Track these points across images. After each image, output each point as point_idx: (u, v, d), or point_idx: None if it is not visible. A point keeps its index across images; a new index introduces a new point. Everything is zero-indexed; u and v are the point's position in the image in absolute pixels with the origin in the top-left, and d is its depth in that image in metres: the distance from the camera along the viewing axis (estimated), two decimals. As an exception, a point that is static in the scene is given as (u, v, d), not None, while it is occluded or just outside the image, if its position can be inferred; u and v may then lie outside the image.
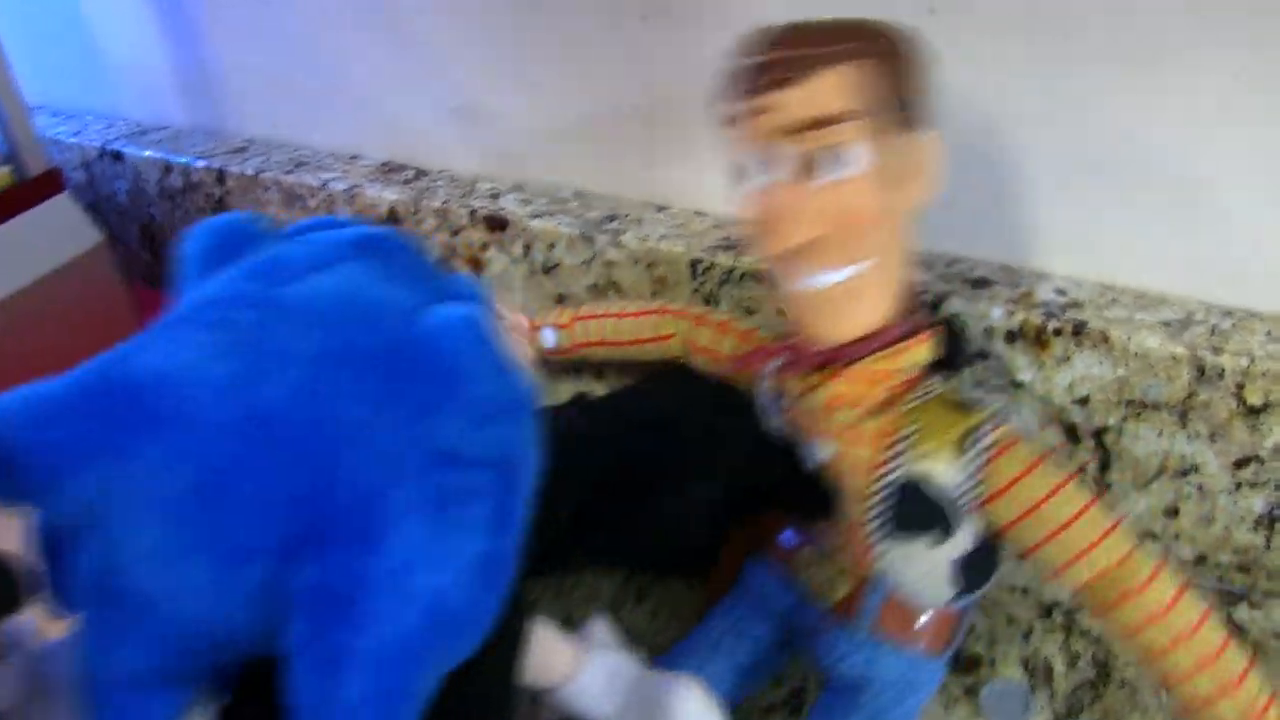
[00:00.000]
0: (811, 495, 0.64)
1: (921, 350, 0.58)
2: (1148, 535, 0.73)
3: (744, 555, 0.71)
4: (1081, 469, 0.72)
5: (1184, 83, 0.62)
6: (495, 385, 0.43)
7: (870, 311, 0.56)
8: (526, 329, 0.82)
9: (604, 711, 0.61)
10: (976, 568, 0.59)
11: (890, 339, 0.57)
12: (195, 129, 1.17)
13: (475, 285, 0.48)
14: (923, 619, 0.61)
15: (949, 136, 0.67)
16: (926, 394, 0.58)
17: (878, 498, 0.57)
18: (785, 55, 0.51)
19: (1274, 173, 0.63)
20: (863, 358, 0.57)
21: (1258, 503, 0.68)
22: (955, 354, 0.62)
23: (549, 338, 0.80)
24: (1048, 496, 0.54)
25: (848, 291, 0.55)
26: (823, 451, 0.60)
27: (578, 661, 0.60)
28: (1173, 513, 0.71)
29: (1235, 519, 0.69)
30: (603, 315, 0.77)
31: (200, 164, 1.07)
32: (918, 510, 0.57)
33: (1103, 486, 0.73)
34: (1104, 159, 0.67)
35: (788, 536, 0.67)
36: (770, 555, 0.68)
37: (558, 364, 0.82)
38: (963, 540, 0.57)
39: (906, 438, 0.57)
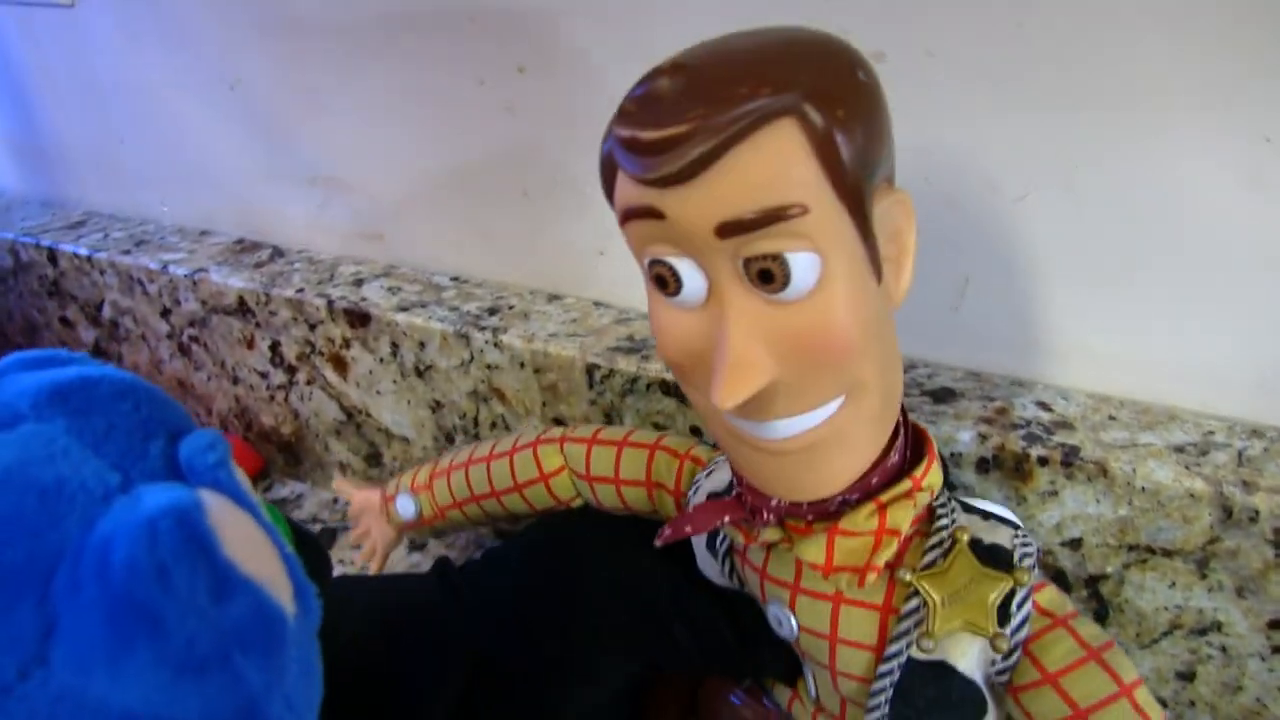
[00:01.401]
0: (773, 657, 0.49)
1: (930, 481, 0.42)
2: (1156, 701, 0.58)
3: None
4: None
5: (1201, 145, 0.49)
6: (210, 616, 0.28)
7: (856, 456, 0.40)
8: (378, 506, 0.66)
9: None
10: None
11: (888, 476, 0.41)
12: (30, 199, 1.02)
13: (213, 453, 0.32)
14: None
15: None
16: (943, 543, 0.41)
17: (881, 686, 0.41)
18: (697, 119, 0.32)
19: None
20: (852, 509, 0.41)
21: (1299, 670, 0.54)
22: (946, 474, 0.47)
23: (406, 508, 0.64)
24: (1104, 703, 0.38)
25: (825, 439, 0.38)
26: (794, 624, 0.44)
27: None
28: (1187, 677, 0.57)
29: (1270, 689, 0.55)
30: (467, 463, 0.61)
31: (30, 241, 0.91)
32: (937, 703, 0.41)
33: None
34: (1098, 236, 0.54)
35: (739, 703, 0.52)
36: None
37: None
38: None
39: (918, 613, 0.40)
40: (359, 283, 0.76)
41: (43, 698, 0.26)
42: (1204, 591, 0.54)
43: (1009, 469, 0.54)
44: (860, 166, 0.33)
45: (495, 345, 0.67)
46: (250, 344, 0.81)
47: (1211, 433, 0.54)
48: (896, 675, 0.41)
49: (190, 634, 0.27)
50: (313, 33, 0.70)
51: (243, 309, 0.79)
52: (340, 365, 0.77)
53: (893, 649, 0.41)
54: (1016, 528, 0.43)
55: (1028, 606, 0.40)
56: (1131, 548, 0.54)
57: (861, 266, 0.35)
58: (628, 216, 0.36)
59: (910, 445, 0.43)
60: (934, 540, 0.41)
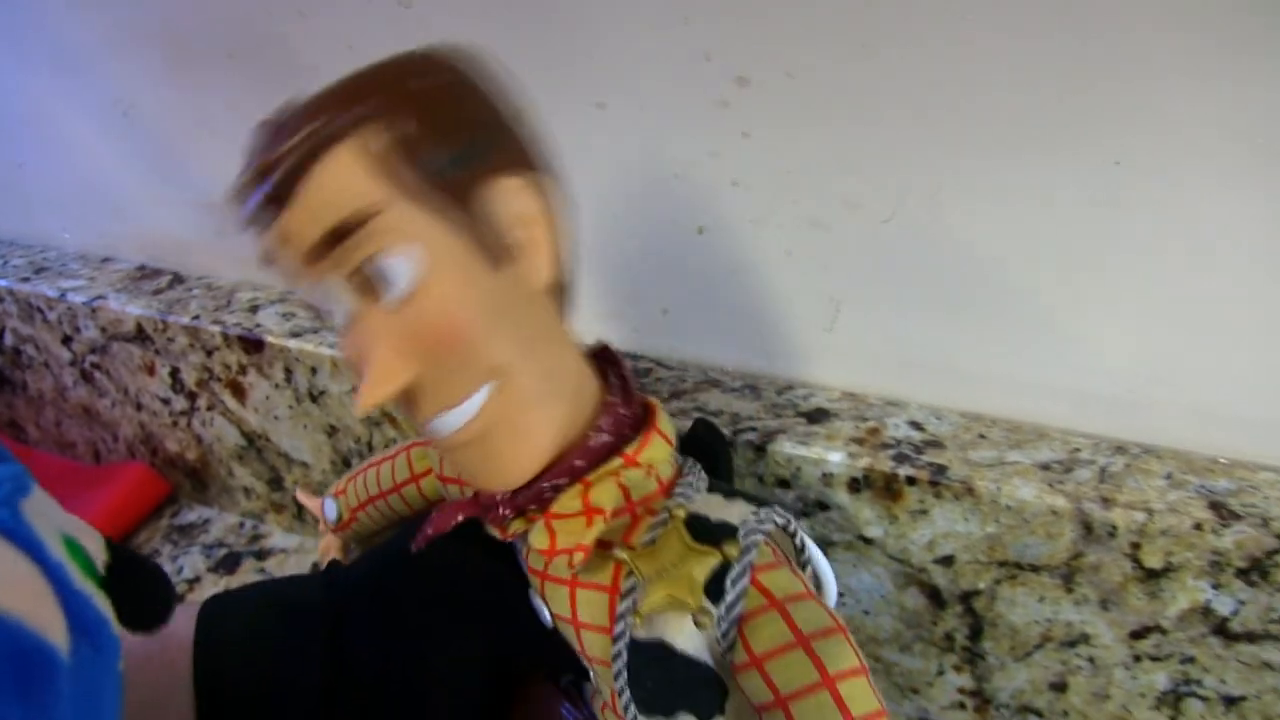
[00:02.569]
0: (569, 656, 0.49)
1: (649, 456, 0.42)
2: (1031, 711, 0.60)
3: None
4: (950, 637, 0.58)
5: (1059, 163, 0.50)
6: None
7: (536, 438, 0.41)
8: (319, 508, 0.67)
9: None
10: None
11: (594, 456, 0.42)
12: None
13: (5, 486, 0.33)
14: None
15: (770, 237, 0.54)
16: (665, 522, 0.41)
17: (617, 669, 0.41)
18: (270, 157, 0.35)
19: (1170, 273, 0.51)
20: (560, 493, 0.41)
21: (1160, 678, 0.56)
22: (717, 453, 0.47)
23: (330, 511, 0.65)
24: (804, 692, 0.36)
25: (489, 428, 0.40)
26: (548, 612, 0.45)
27: None
28: (1060, 687, 0.59)
29: (1134, 696, 0.57)
30: (365, 468, 0.63)
31: (-73, 268, 0.90)
32: (666, 683, 0.40)
33: (975, 656, 0.59)
34: (964, 258, 0.55)
35: (566, 710, 0.52)
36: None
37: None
38: (739, 713, 0.40)
39: (635, 589, 0.40)
40: (255, 308, 0.76)
41: None
42: (1071, 605, 0.55)
43: (879, 489, 0.55)
44: (431, 166, 0.36)
45: (384, 371, 0.68)
46: (151, 371, 0.81)
47: (1078, 450, 0.55)
48: (625, 657, 0.40)
49: None
50: (200, 56, 0.70)
51: (141, 336, 0.79)
52: (238, 391, 0.77)
53: (617, 629, 0.40)
54: (763, 506, 0.42)
55: (743, 583, 0.38)
56: (1001, 564, 0.55)
57: (467, 257, 0.37)
58: (263, 259, 0.38)
59: (628, 423, 0.43)
60: (657, 519, 0.41)
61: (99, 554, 0.38)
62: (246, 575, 0.79)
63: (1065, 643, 0.57)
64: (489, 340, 0.38)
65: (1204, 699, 0.55)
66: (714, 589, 0.39)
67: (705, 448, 0.47)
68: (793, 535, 0.42)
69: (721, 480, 0.45)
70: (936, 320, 0.57)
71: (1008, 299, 0.55)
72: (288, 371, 0.73)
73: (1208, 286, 0.50)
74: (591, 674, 0.46)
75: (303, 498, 0.70)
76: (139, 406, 0.85)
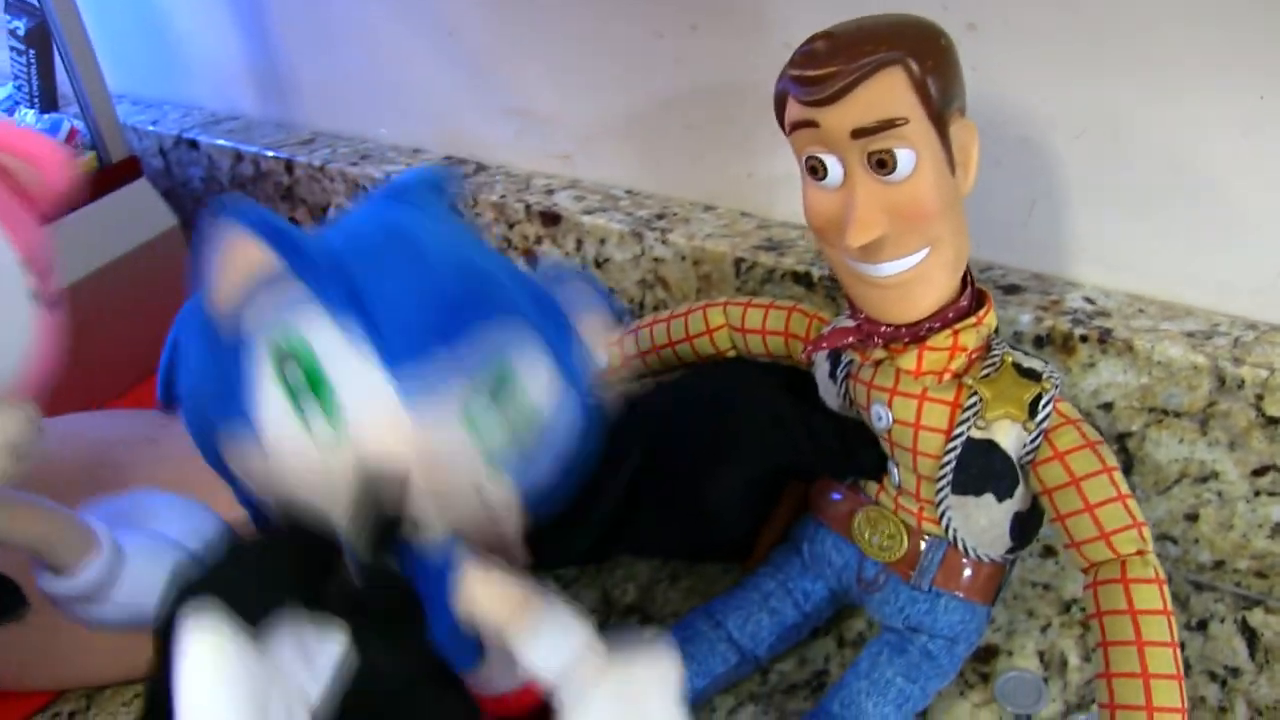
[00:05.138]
0: (868, 458, 0.67)
1: (988, 321, 0.60)
2: (1168, 539, 0.75)
3: (783, 531, 0.74)
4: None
5: (1215, 96, 0.64)
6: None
7: (938, 291, 0.57)
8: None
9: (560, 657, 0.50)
10: (1029, 523, 0.62)
11: (960, 313, 0.59)
12: (266, 120, 1.22)
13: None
14: (979, 571, 0.64)
15: (987, 148, 0.70)
16: (994, 363, 0.59)
17: (949, 459, 0.60)
18: (841, 65, 0.52)
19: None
20: (935, 333, 0.59)
21: (1275, 511, 0.69)
22: (998, 327, 0.64)
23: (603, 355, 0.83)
24: (1091, 475, 0.56)
25: (916, 277, 0.56)
26: (890, 417, 0.62)
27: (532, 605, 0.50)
28: (1192, 518, 0.73)
29: (1253, 526, 0.71)
30: (651, 322, 0.80)
31: (270, 154, 1.12)
32: (985, 471, 0.60)
33: (1125, 490, 0.75)
34: (1137, 172, 0.69)
35: (839, 497, 0.70)
36: (821, 515, 0.70)
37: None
38: (1020, 498, 0.61)
39: (976, 405, 0.59)
40: (550, 192, 0.95)
41: None
42: (1205, 445, 0.69)
43: (1058, 345, 0.71)
44: (941, 97, 0.53)
45: (663, 242, 0.86)
46: (455, 241, 1.01)
47: (1218, 324, 0.70)
48: (959, 450, 0.60)
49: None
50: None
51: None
52: (531, 258, 0.96)
53: (958, 430, 0.60)
54: (1048, 363, 0.61)
55: (1050, 407, 0.58)
56: (1150, 410, 0.70)
57: (942, 163, 0.54)
58: (794, 128, 0.56)
59: (975, 299, 0.61)
60: (990, 361, 0.59)
61: None
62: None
63: (1198, 479, 0.71)
64: (939, 218, 0.54)
65: (1309, 531, 0.69)
66: (1031, 409, 0.58)
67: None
68: (1058, 385, 0.61)
69: None
70: (1111, 219, 0.72)
71: (1170, 204, 0.69)
72: (579, 242, 0.91)
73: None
74: (893, 470, 0.66)
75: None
76: (440, 272, 1.05)
